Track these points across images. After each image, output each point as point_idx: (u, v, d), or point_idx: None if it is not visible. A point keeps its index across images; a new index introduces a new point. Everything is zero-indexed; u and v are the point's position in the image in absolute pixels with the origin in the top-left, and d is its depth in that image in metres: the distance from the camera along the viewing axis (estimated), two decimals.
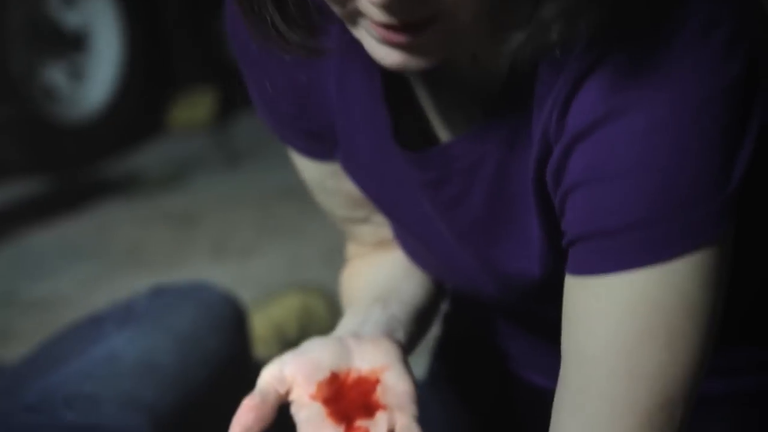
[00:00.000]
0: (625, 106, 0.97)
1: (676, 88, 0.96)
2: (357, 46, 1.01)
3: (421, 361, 1.53)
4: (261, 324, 2.44)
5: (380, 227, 1.36)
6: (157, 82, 4.66)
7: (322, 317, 2.52)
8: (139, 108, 4.52)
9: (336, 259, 3.23)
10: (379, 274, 1.34)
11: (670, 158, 0.97)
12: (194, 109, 4.75)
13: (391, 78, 1.15)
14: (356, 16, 0.95)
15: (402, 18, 0.91)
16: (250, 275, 3.15)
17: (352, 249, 1.43)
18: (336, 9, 0.97)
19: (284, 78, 1.23)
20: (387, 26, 0.93)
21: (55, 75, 4.26)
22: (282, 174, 4.13)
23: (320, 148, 1.29)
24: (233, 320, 1.92)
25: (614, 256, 0.99)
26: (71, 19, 4.32)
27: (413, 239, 1.28)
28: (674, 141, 0.96)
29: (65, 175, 4.16)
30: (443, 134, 1.17)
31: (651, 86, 0.97)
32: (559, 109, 1.01)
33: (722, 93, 0.96)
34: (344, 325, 1.22)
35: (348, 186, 1.30)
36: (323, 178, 1.33)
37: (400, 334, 1.20)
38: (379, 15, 0.92)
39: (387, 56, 0.96)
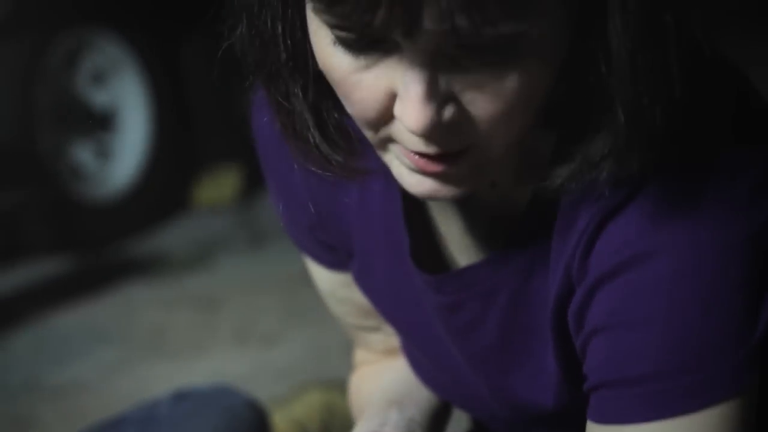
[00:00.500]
0: (650, 250, 0.96)
1: (702, 233, 0.95)
2: (380, 162, 1.01)
3: None
4: (283, 422, 2.42)
5: (390, 336, 1.36)
6: (182, 160, 4.68)
7: (344, 414, 2.49)
8: (164, 186, 4.53)
9: None
10: (391, 379, 1.34)
11: (694, 309, 0.95)
12: (219, 187, 4.76)
13: (410, 199, 1.14)
14: (387, 141, 0.95)
15: (439, 148, 0.91)
16: (272, 365, 3.14)
17: (360, 355, 1.44)
18: (368, 134, 0.96)
19: (305, 189, 1.23)
20: (422, 155, 0.92)
21: (82, 154, 4.28)
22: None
23: (334, 259, 1.29)
24: (256, 427, 1.91)
25: (637, 407, 0.98)
26: (99, 98, 4.35)
27: (423, 357, 1.27)
28: (698, 290, 0.95)
29: (90, 254, 4.16)
30: (460, 258, 1.16)
31: (676, 229, 0.95)
32: (583, 248, 1.00)
33: (747, 240, 0.95)
34: (363, 428, 1.21)
35: (359, 297, 1.30)
36: (335, 287, 1.34)
37: None
38: (415, 144, 0.91)
39: (418, 184, 0.95)
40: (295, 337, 3.37)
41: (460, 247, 1.16)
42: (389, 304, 1.25)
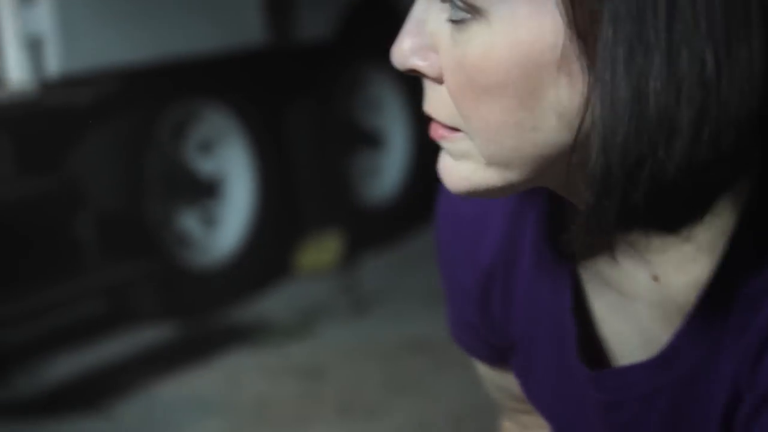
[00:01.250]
0: None
1: None
2: (548, 258, 1.00)
3: None
4: None
5: (543, 420, 1.35)
6: (284, 226, 4.72)
7: None
8: (266, 252, 4.57)
9: (465, 427, 3.21)
10: None
11: None
12: (320, 253, 4.78)
13: (577, 293, 1.13)
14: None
15: (431, 111, 0.94)
16: None
17: (508, 426, 1.42)
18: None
19: (475, 286, 1.22)
20: (430, 120, 0.96)
21: (188, 222, 4.34)
22: (409, 324, 4.16)
23: (495, 357, 1.28)
24: None
25: None
26: (206, 166, 4.41)
27: None
28: None
29: (194, 321, 4.21)
30: (622, 356, 1.14)
31: None
32: (756, 351, 0.96)
33: None
34: None
35: (518, 388, 1.29)
36: (492, 377, 1.33)
37: None
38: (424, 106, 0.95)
39: (439, 165, 0.97)
40: (399, 409, 3.36)
41: (622, 345, 1.14)
42: (547, 397, 1.24)
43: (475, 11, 0.86)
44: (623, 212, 0.88)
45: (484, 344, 1.27)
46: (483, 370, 1.33)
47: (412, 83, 4.97)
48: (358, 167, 5.13)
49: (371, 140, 5.21)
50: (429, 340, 3.82)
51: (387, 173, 5.25)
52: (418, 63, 0.92)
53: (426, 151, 5.33)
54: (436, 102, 0.93)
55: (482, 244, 1.13)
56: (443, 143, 0.95)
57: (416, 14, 0.92)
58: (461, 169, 0.94)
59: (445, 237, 1.23)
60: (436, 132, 0.95)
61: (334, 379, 3.67)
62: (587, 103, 0.86)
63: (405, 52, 0.92)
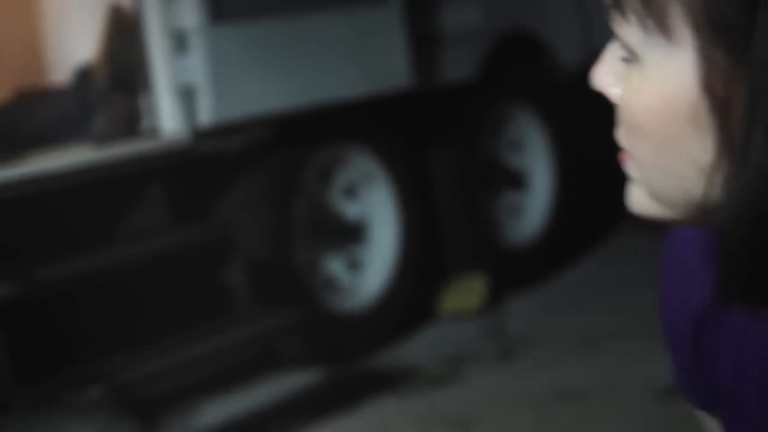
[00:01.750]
0: None
1: None
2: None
3: None
4: None
5: None
6: (428, 268, 4.70)
7: None
8: (411, 296, 4.56)
9: None
10: None
11: None
12: (465, 295, 4.76)
13: None
14: None
15: (617, 137, 0.97)
16: None
17: None
18: None
19: (689, 332, 1.21)
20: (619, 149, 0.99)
21: (334, 266, 4.36)
22: (559, 372, 4.10)
23: (706, 403, 1.26)
24: None
25: None
26: (351, 210, 4.43)
27: None
28: None
29: (340, 367, 4.22)
30: None
31: None
32: None
33: None
34: None
35: None
36: (705, 420, 1.30)
37: None
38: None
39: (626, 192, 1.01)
40: None
41: None
42: None
43: (633, 56, 0.93)
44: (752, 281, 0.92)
45: (699, 394, 1.26)
46: (708, 424, 1.31)
47: (556, 123, 4.95)
48: (501, 208, 5.09)
49: (515, 180, 5.17)
50: (581, 389, 3.76)
51: (531, 214, 5.20)
52: (605, 89, 0.98)
53: (570, 192, 5.28)
54: (618, 131, 0.99)
55: (696, 291, 1.14)
56: (624, 165, 1.01)
57: (614, 43, 0.98)
58: (633, 193, 1.00)
59: (665, 282, 1.25)
60: (620, 154, 1.00)
61: (482, 429, 3.63)
62: (719, 163, 0.90)
63: (597, 77, 0.99)
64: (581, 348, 4.07)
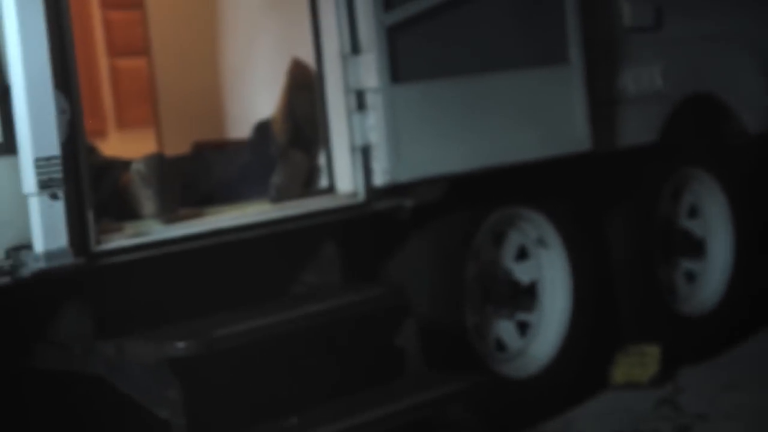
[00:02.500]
0: None
1: None
2: None
3: None
4: None
5: None
6: (601, 336, 4.58)
7: None
8: (582, 364, 4.44)
9: None
10: None
11: None
12: (638, 366, 4.61)
13: None
14: None
15: None
16: None
17: None
18: None
19: None
20: None
21: (504, 330, 4.28)
22: None
23: None
24: None
25: None
26: (523, 273, 4.34)
27: None
28: None
29: None
30: None
31: None
32: None
33: None
34: None
35: None
36: None
37: None
38: None
39: None
40: None
41: None
42: None
43: None
44: None
45: None
46: None
47: (736, 188, 4.80)
48: (678, 275, 4.94)
49: (692, 247, 5.01)
50: None
51: (708, 281, 5.03)
52: None
53: (749, 260, 5.10)
54: None
55: None
56: None
57: None
58: None
59: None
60: None
61: None
62: None
63: None
64: (762, 429, 3.90)
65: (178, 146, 4.28)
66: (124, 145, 4.93)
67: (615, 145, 4.50)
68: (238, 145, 4.09)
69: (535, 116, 4.11)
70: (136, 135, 4.92)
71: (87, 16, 4.72)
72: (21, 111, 2.92)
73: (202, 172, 3.94)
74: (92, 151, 3.59)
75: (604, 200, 4.65)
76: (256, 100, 4.14)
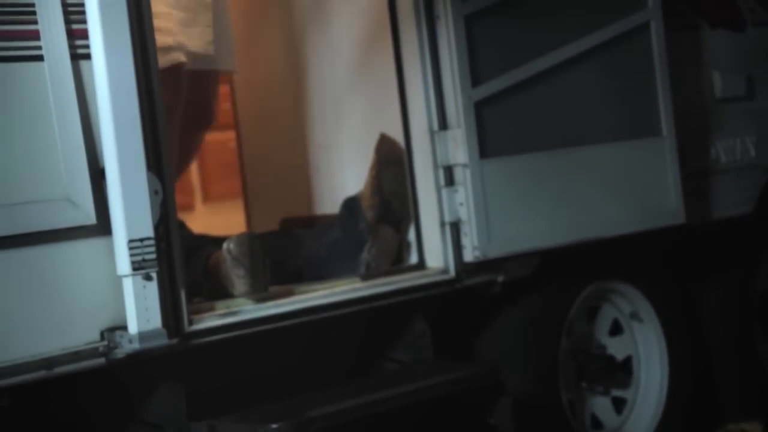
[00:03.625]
0: None
1: None
2: None
3: None
4: None
5: None
6: (700, 414, 4.48)
7: None
8: None
9: None
10: None
11: None
12: None
13: None
14: None
15: None
16: None
17: None
18: None
19: None
20: None
21: (600, 407, 4.20)
22: None
23: None
24: None
25: None
26: (617, 349, 4.27)
27: None
28: None
29: None
30: None
31: None
32: None
33: None
34: None
35: None
36: None
37: None
38: None
39: None
40: None
41: None
42: None
43: None
44: None
45: None
46: None
47: None
48: None
49: None
50: None
51: None
52: None
53: None
54: None
55: None
56: None
57: None
58: None
59: None
60: None
61: None
62: None
63: None
64: None
65: (265, 221, 4.29)
66: (211, 218, 4.96)
67: (709, 217, 4.43)
68: (326, 221, 4.08)
69: (627, 190, 4.05)
70: (224, 208, 4.95)
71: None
72: (115, 193, 2.94)
73: (291, 248, 3.94)
74: (182, 227, 3.61)
75: (699, 273, 4.57)
76: (344, 175, 4.13)
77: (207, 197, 5.40)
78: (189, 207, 5.20)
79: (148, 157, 2.99)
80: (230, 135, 4.67)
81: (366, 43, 4.01)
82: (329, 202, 4.16)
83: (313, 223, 4.17)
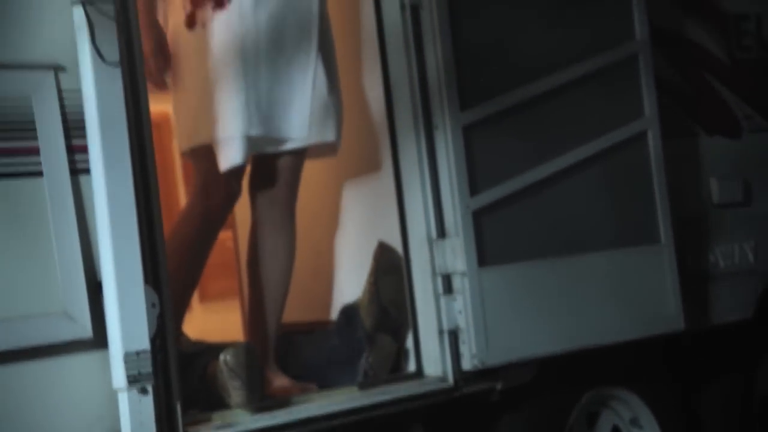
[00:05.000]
0: None
1: None
2: None
3: None
4: None
5: None
6: None
7: None
8: None
9: None
10: None
11: None
12: None
13: None
14: None
15: None
16: None
17: None
18: None
19: None
20: None
21: None
22: None
23: None
24: None
25: None
26: None
27: None
28: None
29: None
30: None
31: None
32: None
33: None
34: None
35: None
36: None
37: None
38: None
39: None
40: None
41: None
42: None
43: None
44: None
45: None
46: None
47: None
48: None
49: None
50: None
51: None
52: None
53: None
54: None
55: None
56: None
57: None
58: None
59: None
60: None
61: None
62: None
63: None
64: None
65: None
66: (208, 317, 4.94)
67: (708, 323, 4.42)
68: (324, 327, 4.07)
69: (625, 297, 4.04)
70: (220, 307, 4.93)
71: (174, 201, 4.78)
72: (111, 307, 2.94)
73: (289, 355, 3.92)
74: (179, 332, 3.60)
75: (699, 379, 4.54)
76: (341, 282, 4.13)
77: (204, 296, 5.38)
78: None
79: (145, 270, 2.99)
80: (228, 234, 4.67)
81: (364, 149, 4.03)
82: (327, 309, 4.15)
83: (311, 329, 4.15)
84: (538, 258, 3.86)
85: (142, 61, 3.10)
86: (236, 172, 3.61)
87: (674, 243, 4.16)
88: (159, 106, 3.77)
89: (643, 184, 4.15)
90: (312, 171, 3.94)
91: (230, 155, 3.52)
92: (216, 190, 3.61)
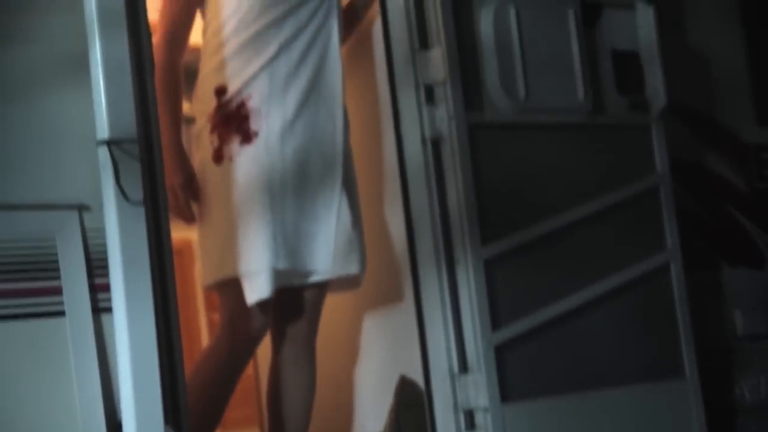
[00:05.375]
0: None
1: None
2: None
3: None
4: None
5: None
6: None
7: None
8: None
9: None
10: None
11: None
12: None
13: None
14: None
15: None
16: None
17: None
18: None
19: None
20: None
21: None
22: None
23: None
24: None
25: None
26: None
27: None
28: None
29: None
30: None
31: None
32: None
33: None
34: None
35: None
36: None
37: None
38: None
39: None
40: None
41: None
42: None
43: None
44: None
45: None
46: None
47: None
48: None
49: None
50: None
51: None
52: None
53: None
54: None
55: None
56: None
57: None
58: None
59: None
60: None
61: None
62: None
63: None
64: None
65: None
66: None
67: None
68: None
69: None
70: None
71: (195, 332, 4.77)
72: None
73: None
74: None
75: None
76: (362, 416, 4.08)
77: (223, 424, 5.33)
78: None
79: (166, 411, 2.96)
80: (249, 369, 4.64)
81: (385, 281, 4.02)
82: None
83: None
84: (561, 393, 3.82)
85: (165, 200, 3.11)
86: (263, 306, 3.59)
87: (699, 378, 4.12)
88: (180, 233, 3.77)
89: (666, 317, 4.12)
90: (333, 302, 3.92)
91: (258, 288, 3.51)
92: (243, 324, 3.59)
